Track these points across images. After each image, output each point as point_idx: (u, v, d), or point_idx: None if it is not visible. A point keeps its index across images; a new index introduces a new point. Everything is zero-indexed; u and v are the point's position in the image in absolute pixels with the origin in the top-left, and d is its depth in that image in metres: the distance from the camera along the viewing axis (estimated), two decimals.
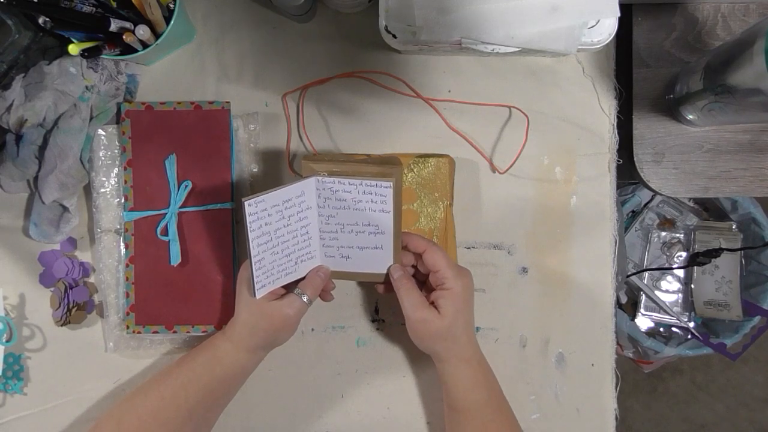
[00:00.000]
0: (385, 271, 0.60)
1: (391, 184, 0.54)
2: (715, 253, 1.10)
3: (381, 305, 0.68)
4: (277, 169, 0.68)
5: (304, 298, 0.57)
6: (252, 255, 0.53)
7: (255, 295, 0.55)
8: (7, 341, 0.65)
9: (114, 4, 0.58)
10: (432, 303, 0.57)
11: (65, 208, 0.64)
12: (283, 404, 0.67)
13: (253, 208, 0.51)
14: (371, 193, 0.55)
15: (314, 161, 0.55)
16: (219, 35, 0.68)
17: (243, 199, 0.50)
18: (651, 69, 0.68)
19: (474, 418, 0.58)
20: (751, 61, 0.49)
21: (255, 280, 0.54)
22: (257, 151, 0.67)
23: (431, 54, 0.67)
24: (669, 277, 1.27)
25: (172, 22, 0.59)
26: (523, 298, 0.68)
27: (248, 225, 0.51)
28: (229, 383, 0.60)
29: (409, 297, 0.57)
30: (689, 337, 1.26)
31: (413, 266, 0.61)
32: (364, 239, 0.58)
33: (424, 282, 0.60)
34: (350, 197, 0.56)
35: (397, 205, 0.56)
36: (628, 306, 1.31)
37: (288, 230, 0.55)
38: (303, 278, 0.59)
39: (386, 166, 0.54)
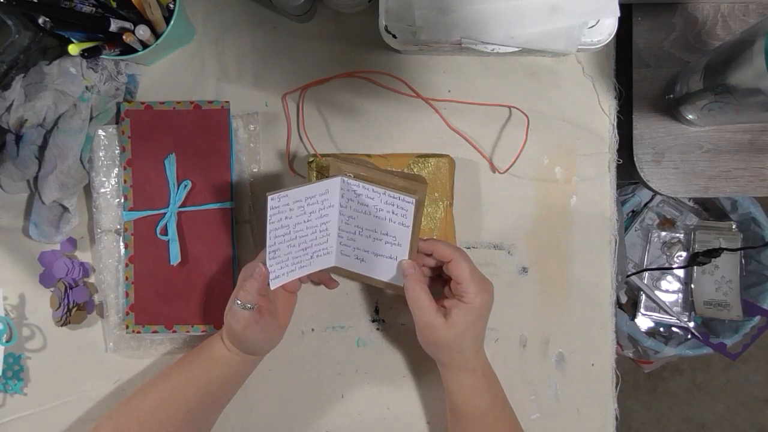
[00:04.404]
0: (394, 282, 0.60)
1: (414, 200, 0.55)
2: (715, 253, 1.10)
3: (381, 305, 0.68)
4: (277, 169, 0.68)
5: (248, 306, 0.54)
6: (268, 245, 0.54)
7: (270, 286, 0.56)
8: (7, 341, 0.65)
9: (114, 4, 0.58)
10: (444, 307, 0.56)
11: (65, 208, 0.64)
12: (283, 404, 0.67)
13: (276, 202, 0.52)
14: (393, 205, 0.56)
15: (343, 161, 0.56)
16: (219, 35, 0.68)
17: (267, 194, 0.51)
18: (651, 69, 0.68)
19: (476, 424, 0.58)
20: (751, 61, 0.49)
21: (269, 270, 0.55)
22: (257, 151, 0.67)
23: (431, 54, 0.67)
24: (669, 277, 1.27)
25: (172, 22, 0.59)
26: (523, 298, 0.68)
27: (268, 217, 0.53)
28: (227, 384, 0.60)
29: (417, 300, 0.55)
30: (689, 337, 1.26)
31: (432, 267, 0.60)
32: (380, 247, 0.58)
33: (446, 282, 0.59)
34: (372, 204, 0.56)
35: (417, 221, 0.56)
36: (628, 306, 1.31)
37: (307, 225, 0.56)
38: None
39: (412, 182, 0.55)
